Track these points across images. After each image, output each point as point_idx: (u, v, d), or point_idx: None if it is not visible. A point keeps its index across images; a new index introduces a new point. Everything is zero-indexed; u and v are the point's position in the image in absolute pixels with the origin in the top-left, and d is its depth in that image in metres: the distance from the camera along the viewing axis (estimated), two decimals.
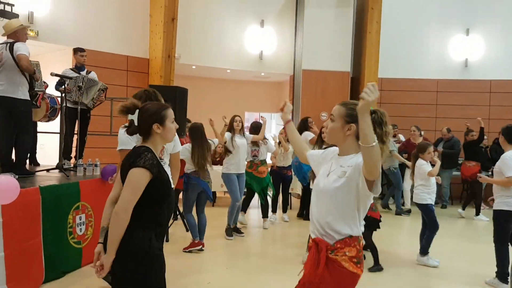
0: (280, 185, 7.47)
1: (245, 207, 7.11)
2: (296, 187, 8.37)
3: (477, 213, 8.37)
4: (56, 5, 7.97)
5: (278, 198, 7.58)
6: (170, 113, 2.37)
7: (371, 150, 1.89)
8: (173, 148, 3.55)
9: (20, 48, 4.64)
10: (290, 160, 7.41)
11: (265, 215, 7.11)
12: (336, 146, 2.30)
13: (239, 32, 10.39)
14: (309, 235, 2.30)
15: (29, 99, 4.91)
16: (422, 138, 8.71)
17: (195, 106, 9.41)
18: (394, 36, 10.74)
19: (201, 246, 5.41)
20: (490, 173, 8.29)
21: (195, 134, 5.42)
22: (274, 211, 7.55)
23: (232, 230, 6.26)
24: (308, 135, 7.36)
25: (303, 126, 7.61)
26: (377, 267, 4.98)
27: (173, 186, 3.19)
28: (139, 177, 2.17)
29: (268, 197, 7.24)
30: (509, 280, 4.43)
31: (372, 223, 4.88)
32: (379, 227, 5.04)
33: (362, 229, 2.17)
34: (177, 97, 6.27)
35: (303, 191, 7.84)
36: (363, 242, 2.23)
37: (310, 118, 7.73)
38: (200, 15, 9.96)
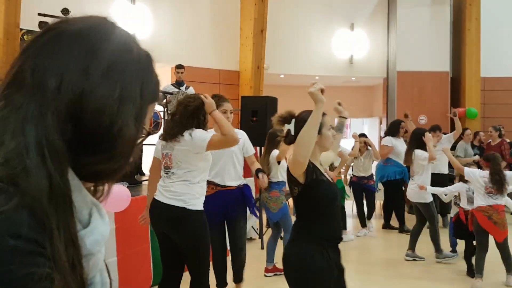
0: (362, 197, 6.90)
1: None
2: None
3: None
4: (156, 26, 8.55)
5: (363, 211, 7.01)
6: (327, 120, 2.35)
7: None
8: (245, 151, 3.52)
9: None
10: (371, 169, 6.86)
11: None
12: None
13: (327, 37, 10.30)
14: None
15: None
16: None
17: None
18: (496, 32, 9.93)
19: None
20: None
21: (272, 141, 4.58)
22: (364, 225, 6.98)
23: None
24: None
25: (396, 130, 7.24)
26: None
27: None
28: None
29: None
30: None
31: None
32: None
33: None
34: (267, 106, 6.37)
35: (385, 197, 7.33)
36: None
37: (403, 123, 7.35)
38: (288, 23, 10.05)
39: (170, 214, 2.85)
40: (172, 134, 2.91)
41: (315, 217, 2.26)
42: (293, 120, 2.34)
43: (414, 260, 5.50)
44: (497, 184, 4.43)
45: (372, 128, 11.49)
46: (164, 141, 2.97)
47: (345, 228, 6.77)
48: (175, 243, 2.91)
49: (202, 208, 2.93)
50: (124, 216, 3.69)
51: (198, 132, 2.85)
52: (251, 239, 6.36)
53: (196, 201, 2.88)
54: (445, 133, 7.48)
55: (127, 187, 4.58)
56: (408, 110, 7.33)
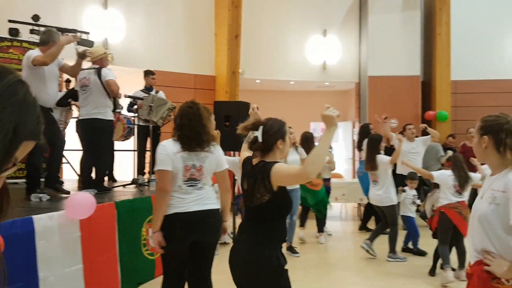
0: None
1: (302, 222, 6.83)
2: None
3: None
4: (128, 31, 8.52)
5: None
6: (288, 128, 2.50)
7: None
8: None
9: (108, 73, 4.99)
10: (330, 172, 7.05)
11: (320, 229, 6.80)
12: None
13: (301, 44, 10.42)
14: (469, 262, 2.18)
15: (113, 119, 5.27)
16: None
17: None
18: (466, 36, 10.18)
19: None
20: None
21: None
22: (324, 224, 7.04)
23: (287, 249, 5.82)
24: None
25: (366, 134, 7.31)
26: None
27: (225, 209, 3.23)
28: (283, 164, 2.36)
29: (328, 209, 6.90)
30: None
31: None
32: None
33: None
34: (240, 111, 6.41)
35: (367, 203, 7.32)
36: None
37: (371, 125, 7.47)
38: (263, 30, 10.13)
39: (211, 219, 3.04)
40: (198, 144, 3.00)
41: (277, 221, 2.41)
42: (261, 127, 2.39)
43: (368, 251, 5.66)
44: (460, 180, 4.63)
45: (346, 132, 11.64)
46: (186, 152, 2.98)
47: (322, 231, 6.87)
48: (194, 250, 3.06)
49: None
50: (89, 224, 3.67)
51: (221, 151, 3.17)
52: (225, 243, 6.38)
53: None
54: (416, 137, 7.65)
55: (96, 194, 4.57)
56: (380, 114, 7.44)
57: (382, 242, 5.70)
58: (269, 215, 2.37)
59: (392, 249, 5.61)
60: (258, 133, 2.36)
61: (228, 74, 9.35)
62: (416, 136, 7.61)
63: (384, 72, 10.12)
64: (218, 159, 3.10)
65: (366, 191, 7.09)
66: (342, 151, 11.52)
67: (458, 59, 10.02)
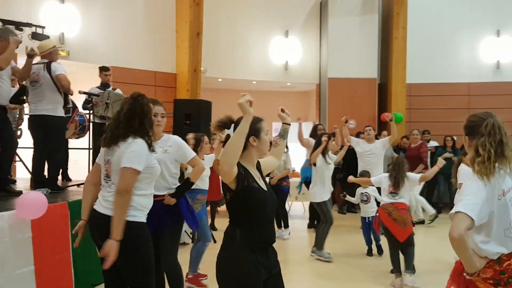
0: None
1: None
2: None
3: None
4: (86, 25, 8.29)
5: (277, 213, 7.08)
6: (264, 125, 2.37)
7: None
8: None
9: (58, 68, 4.83)
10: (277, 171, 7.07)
11: (279, 225, 7.02)
12: None
13: (264, 44, 10.49)
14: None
15: (64, 116, 5.10)
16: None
17: None
18: (421, 40, 10.55)
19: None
20: None
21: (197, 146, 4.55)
22: (280, 226, 7.13)
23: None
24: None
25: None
26: None
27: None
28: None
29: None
30: None
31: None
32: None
33: (495, 250, 2.06)
34: (201, 110, 6.39)
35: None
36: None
37: (320, 125, 7.64)
38: (226, 28, 10.11)
39: (105, 225, 2.63)
40: (112, 138, 2.74)
41: (244, 222, 2.28)
42: (233, 125, 2.35)
43: (319, 259, 5.72)
44: (394, 180, 4.77)
45: (306, 132, 11.77)
46: (106, 146, 2.78)
47: (280, 226, 7.04)
48: None
49: (142, 220, 2.75)
50: (41, 224, 3.55)
51: (135, 147, 2.67)
52: (184, 243, 6.33)
53: (135, 212, 2.69)
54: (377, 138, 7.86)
55: (49, 193, 4.44)
56: (339, 115, 7.62)
57: (352, 241, 5.75)
58: (234, 214, 2.30)
59: (319, 245, 5.70)
60: (230, 131, 2.30)
61: (190, 72, 9.27)
62: (377, 138, 7.84)
63: (343, 74, 10.33)
64: (120, 154, 2.67)
65: (300, 186, 7.56)
66: (301, 151, 11.67)
67: (413, 62, 10.37)
